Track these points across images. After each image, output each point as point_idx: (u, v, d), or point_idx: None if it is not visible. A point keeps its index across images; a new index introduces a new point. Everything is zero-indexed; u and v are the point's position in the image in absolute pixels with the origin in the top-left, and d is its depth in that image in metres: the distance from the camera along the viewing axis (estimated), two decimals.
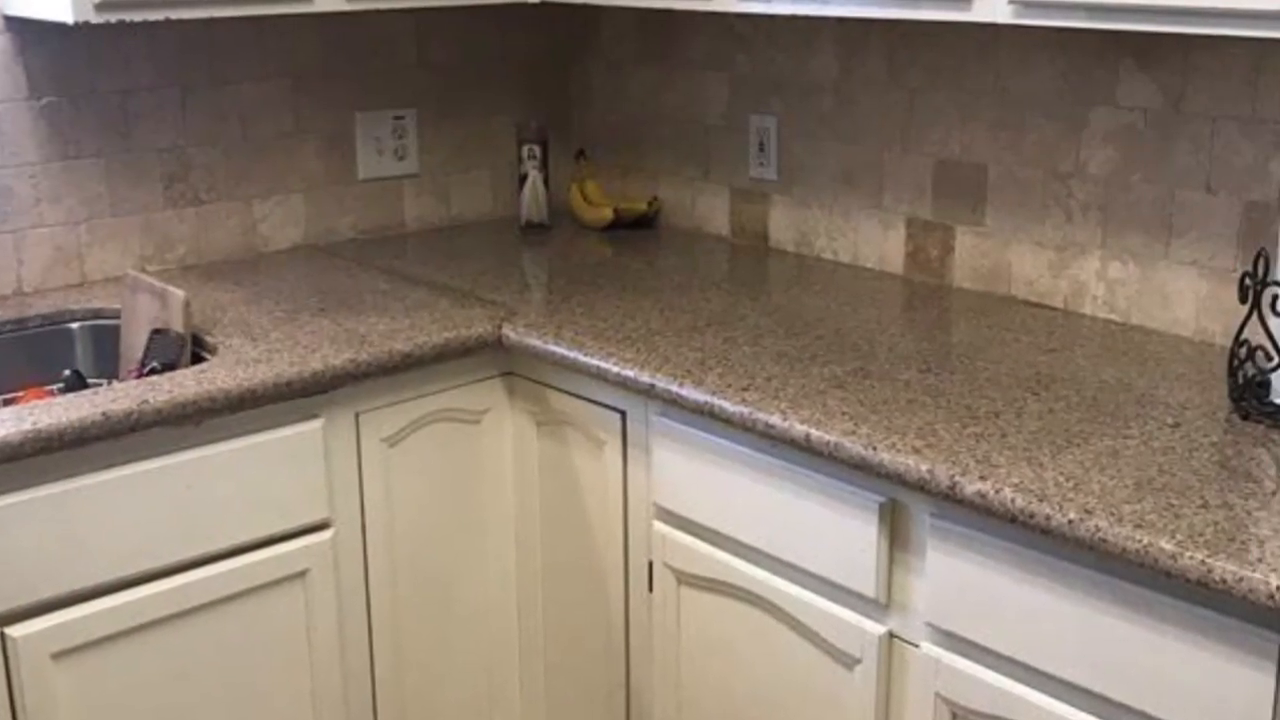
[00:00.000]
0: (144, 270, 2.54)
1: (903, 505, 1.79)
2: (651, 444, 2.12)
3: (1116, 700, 1.58)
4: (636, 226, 3.00)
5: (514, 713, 2.48)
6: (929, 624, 1.78)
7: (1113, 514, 1.53)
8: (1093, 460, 1.68)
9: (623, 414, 2.16)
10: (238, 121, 2.70)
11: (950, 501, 1.68)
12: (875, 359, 2.08)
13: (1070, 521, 1.54)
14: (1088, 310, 2.32)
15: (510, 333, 2.27)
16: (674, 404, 2.01)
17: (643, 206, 3.01)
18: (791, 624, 1.95)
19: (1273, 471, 1.66)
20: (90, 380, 2.30)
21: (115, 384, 2.09)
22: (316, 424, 2.13)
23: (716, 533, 2.04)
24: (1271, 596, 1.39)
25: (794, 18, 2.65)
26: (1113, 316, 2.28)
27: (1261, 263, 1.81)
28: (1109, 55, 2.20)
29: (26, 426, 1.84)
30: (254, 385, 2.03)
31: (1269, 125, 2.04)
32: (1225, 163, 2.10)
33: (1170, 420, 1.82)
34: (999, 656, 1.70)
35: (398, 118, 2.92)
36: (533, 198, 2.96)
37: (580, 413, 2.23)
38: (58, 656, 1.93)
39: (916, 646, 1.80)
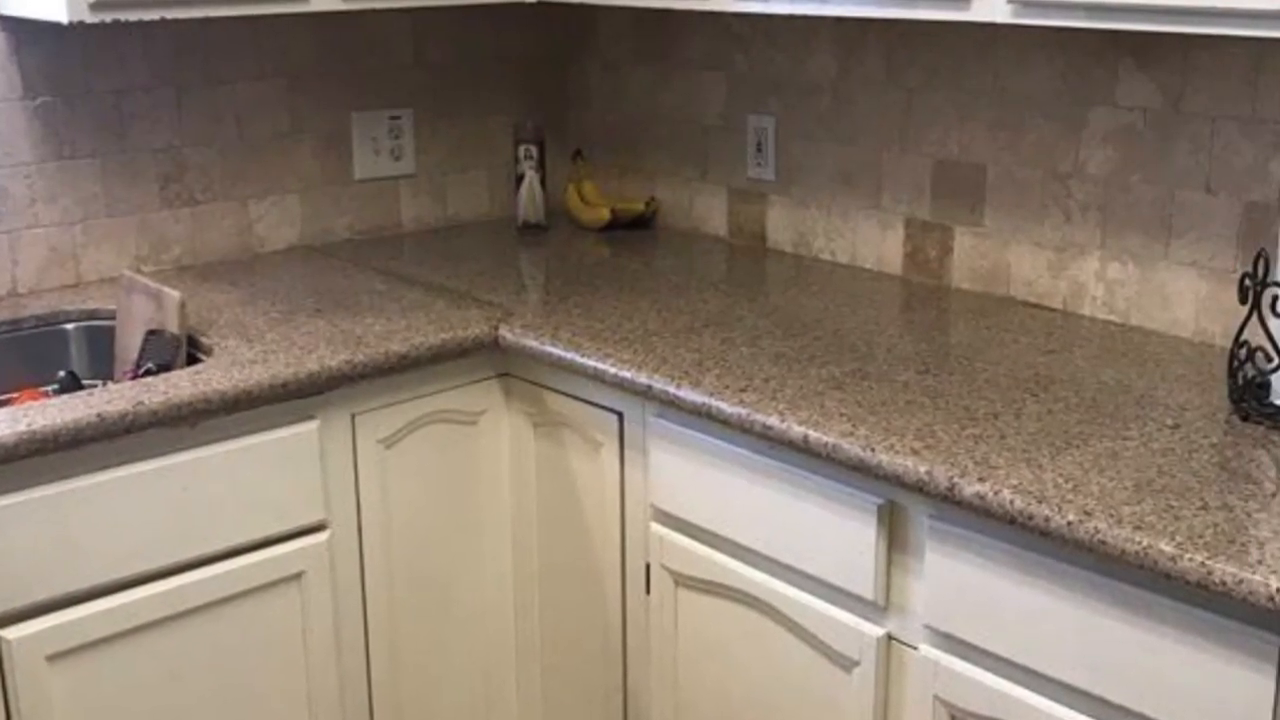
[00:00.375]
0: (139, 271, 2.53)
1: (901, 507, 1.78)
2: (649, 445, 2.11)
3: (1115, 703, 1.57)
4: (634, 227, 2.99)
5: (511, 715, 2.48)
6: (927, 626, 1.77)
7: (1112, 516, 1.53)
8: (1092, 462, 1.68)
9: (620, 415, 2.16)
10: (233, 121, 2.70)
11: (949, 503, 1.67)
12: (873, 360, 2.08)
13: (1069, 523, 1.54)
14: (1087, 311, 2.31)
15: (507, 334, 2.26)
16: (671, 405, 2.01)
17: (640, 207, 3.00)
18: (789, 626, 1.94)
19: (1273, 473, 1.65)
20: (85, 381, 2.29)
21: (110, 385, 2.08)
22: (312, 425, 2.12)
23: (714, 535, 2.03)
24: (1271, 599, 1.38)
25: (792, 17, 2.65)
26: (1112, 317, 2.28)
27: (1261, 263, 1.80)
28: (1108, 55, 2.20)
29: (21, 428, 1.84)
30: (250, 386, 2.02)
31: (1269, 125, 2.03)
32: (1225, 163, 2.09)
33: (1170, 421, 1.81)
34: (998, 659, 1.69)
35: (394, 118, 2.91)
36: (529, 198, 2.95)
37: (577, 414, 2.22)
38: (53, 659, 1.92)
39: (915, 649, 1.80)
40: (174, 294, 2.18)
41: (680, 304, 2.39)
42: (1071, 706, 1.62)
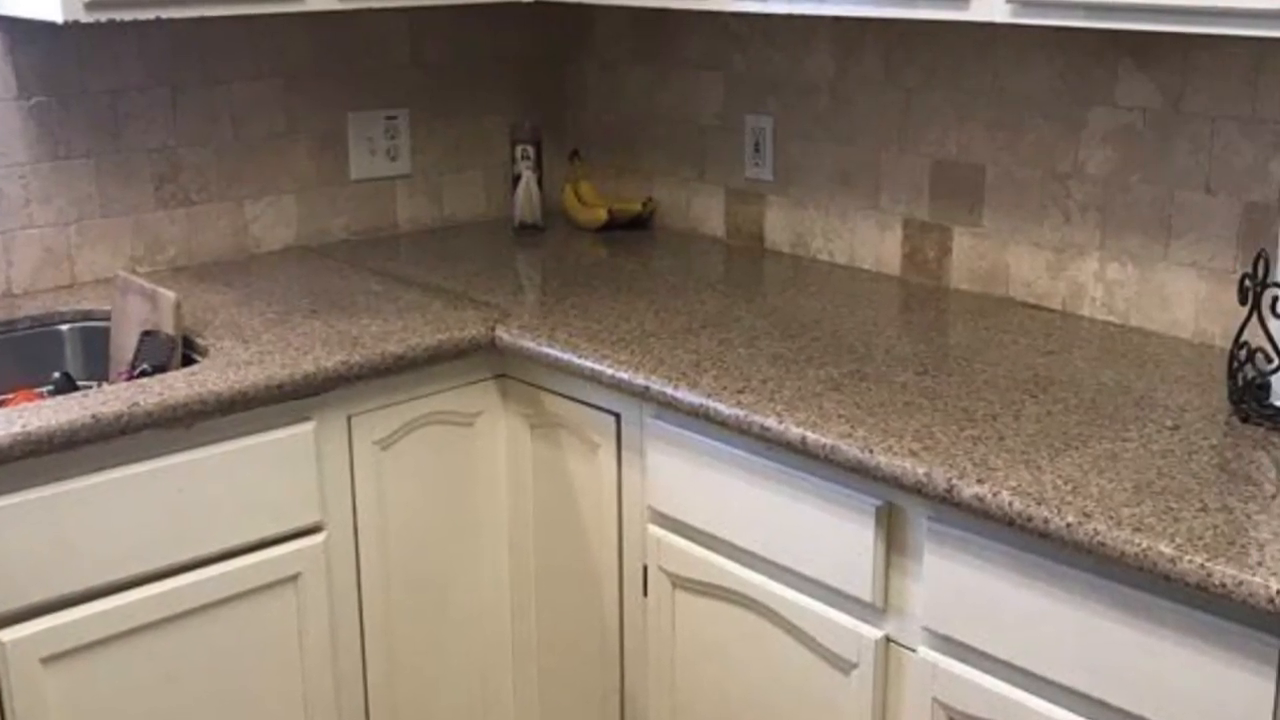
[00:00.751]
0: (134, 271, 2.52)
1: (899, 508, 1.78)
2: (646, 447, 2.10)
3: (1115, 705, 1.56)
4: (631, 227, 2.99)
5: (508, 717, 2.47)
6: (926, 628, 1.76)
7: (1111, 517, 1.52)
8: (1091, 463, 1.67)
9: (617, 416, 2.15)
10: (229, 121, 2.69)
11: (947, 505, 1.66)
12: (872, 361, 2.07)
13: (1068, 525, 1.53)
14: (1086, 312, 2.30)
15: (504, 335, 2.26)
16: (669, 406, 2.00)
17: (637, 207, 3.00)
18: (787, 628, 1.93)
19: (1273, 474, 1.65)
20: (80, 382, 2.28)
21: (105, 386, 2.08)
22: (308, 426, 2.11)
23: (712, 536, 2.03)
24: (1271, 600, 1.38)
25: (790, 17, 2.64)
26: (1111, 318, 2.27)
27: (1261, 264, 1.79)
28: (1107, 55, 2.19)
29: (16, 429, 1.83)
30: (245, 387, 2.01)
31: (1269, 125, 2.03)
32: (1225, 163, 2.09)
33: (1169, 423, 1.81)
34: (996, 661, 1.69)
35: (390, 118, 2.90)
36: (526, 198, 2.94)
37: (574, 415, 2.22)
38: (48, 661, 1.91)
39: (913, 651, 1.79)
40: (169, 295, 2.18)
41: (678, 305, 2.38)
42: (1071, 709, 1.62)
